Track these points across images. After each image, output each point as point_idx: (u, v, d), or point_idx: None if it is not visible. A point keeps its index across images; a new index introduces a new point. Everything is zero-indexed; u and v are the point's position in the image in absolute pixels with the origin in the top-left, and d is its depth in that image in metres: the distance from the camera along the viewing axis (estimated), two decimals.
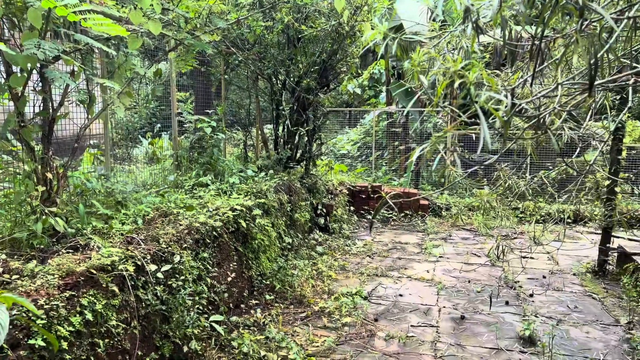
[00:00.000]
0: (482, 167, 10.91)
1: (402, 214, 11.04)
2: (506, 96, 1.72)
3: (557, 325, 5.59)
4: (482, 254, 8.35)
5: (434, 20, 11.60)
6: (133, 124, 12.93)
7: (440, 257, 8.20)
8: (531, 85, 2.14)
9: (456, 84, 1.68)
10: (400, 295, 6.48)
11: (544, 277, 7.21)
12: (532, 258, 7.88)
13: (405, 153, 13.74)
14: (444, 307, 6.11)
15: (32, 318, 2.96)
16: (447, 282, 6.96)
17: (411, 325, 5.58)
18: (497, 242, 3.80)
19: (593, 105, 3.72)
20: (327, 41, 8.07)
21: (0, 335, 2.28)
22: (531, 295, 6.48)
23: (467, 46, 3.56)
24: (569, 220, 10.09)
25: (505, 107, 1.73)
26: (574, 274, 7.34)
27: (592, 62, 1.70)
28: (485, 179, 12.15)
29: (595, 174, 5.47)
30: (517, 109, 1.83)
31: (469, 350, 5.03)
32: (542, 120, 2.04)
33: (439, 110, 13.78)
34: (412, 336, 5.32)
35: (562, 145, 4.06)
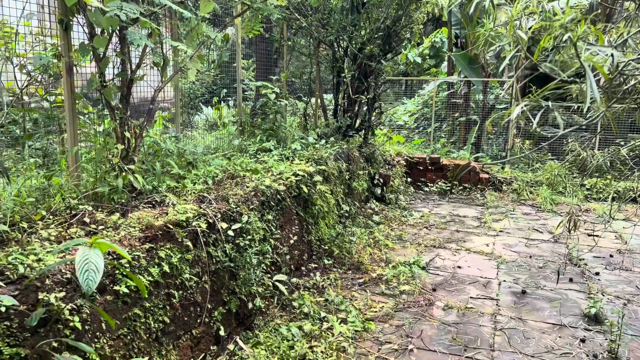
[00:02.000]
0: (548, 140, 10.48)
1: (461, 187, 10.83)
2: (612, 52, 1.63)
3: (626, 305, 5.39)
4: (544, 230, 8.10)
5: None
6: (194, 91, 13.24)
7: (500, 231, 8.03)
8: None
9: (565, 37, 1.61)
10: (459, 267, 6.43)
11: (611, 256, 6.93)
12: (597, 236, 7.57)
13: (465, 125, 13.39)
14: (504, 280, 6.01)
15: (117, 266, 3.17)
16: (508, 257, 6.83)
17: (470, 297, 5.54)
18: (570, 214, 3.67)
19: None
20: (392, 6, 7.89)
21: (96, 277, 2.47)
22: (597, 274, 6.25)
23: (547, 8, 3.40)
24: None
25: (610, 64, 1.65)
26: None
27: None
28: (549, 154, 11.69)
29: None
30: (622, 67, 1.73)
31: (530, 324, 4.96)
32: None
33: (503, 82, 13.27)
34: (471, 307, 5.28)
35: None
